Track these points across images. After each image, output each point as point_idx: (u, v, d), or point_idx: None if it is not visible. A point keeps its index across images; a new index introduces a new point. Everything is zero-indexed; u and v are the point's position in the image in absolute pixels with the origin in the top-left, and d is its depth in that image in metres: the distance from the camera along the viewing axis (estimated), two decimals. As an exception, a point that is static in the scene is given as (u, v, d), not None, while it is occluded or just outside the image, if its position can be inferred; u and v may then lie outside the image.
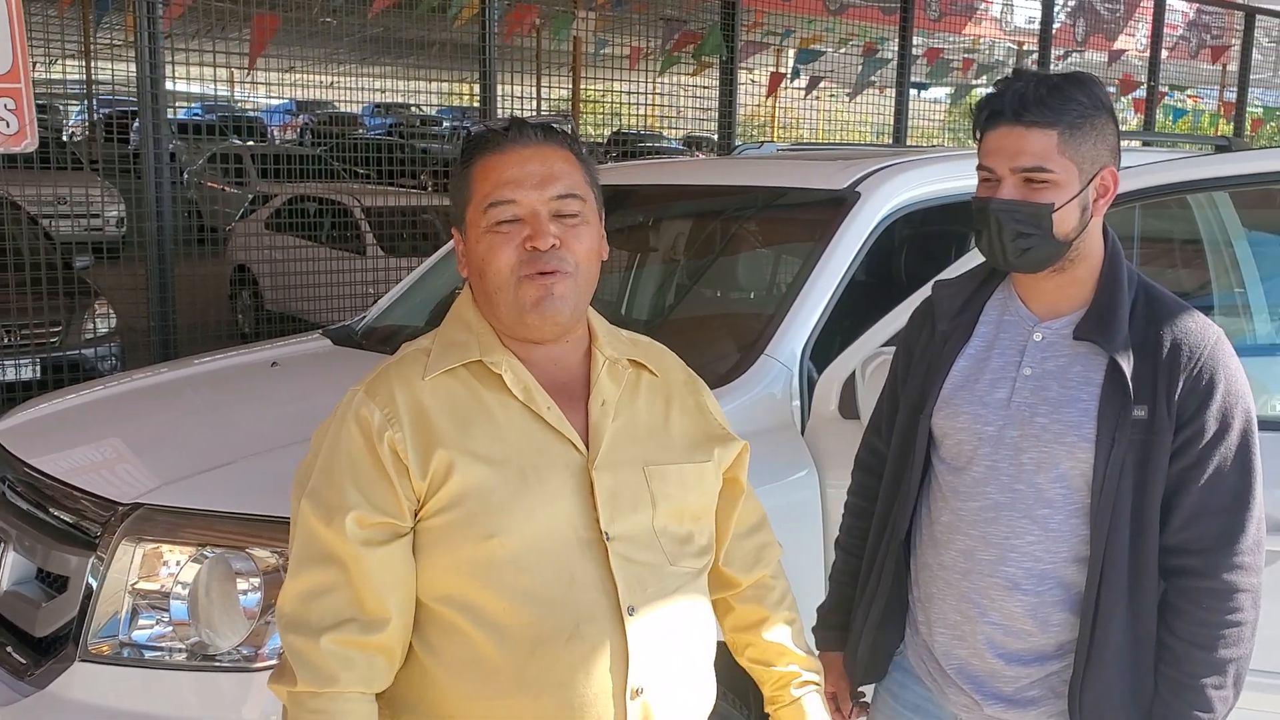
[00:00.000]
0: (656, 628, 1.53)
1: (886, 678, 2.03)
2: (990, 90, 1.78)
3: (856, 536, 2.05)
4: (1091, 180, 1.72)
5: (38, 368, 6.20)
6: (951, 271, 2.19)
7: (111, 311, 6.80)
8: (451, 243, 1.77)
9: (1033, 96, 1.69)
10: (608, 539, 1.51)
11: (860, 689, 2.06)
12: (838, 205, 3.04)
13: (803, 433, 2.70)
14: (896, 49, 9.40)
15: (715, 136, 8.46)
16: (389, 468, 1.47)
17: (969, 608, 1.82)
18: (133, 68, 5.69)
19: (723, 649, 2.48)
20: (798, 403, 2.73)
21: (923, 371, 1.90)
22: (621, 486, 1.55)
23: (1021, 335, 1.83)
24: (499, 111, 6.84)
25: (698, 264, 3.69)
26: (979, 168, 1.76)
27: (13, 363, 6.16)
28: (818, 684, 1.80)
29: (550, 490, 1.51)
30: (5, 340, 6.27)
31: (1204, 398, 1.69)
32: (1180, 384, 1.69)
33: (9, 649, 2.42)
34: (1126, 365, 1.70)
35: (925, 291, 2.06)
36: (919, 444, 1.88)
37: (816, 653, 1.88)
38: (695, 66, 8.43)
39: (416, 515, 1.50)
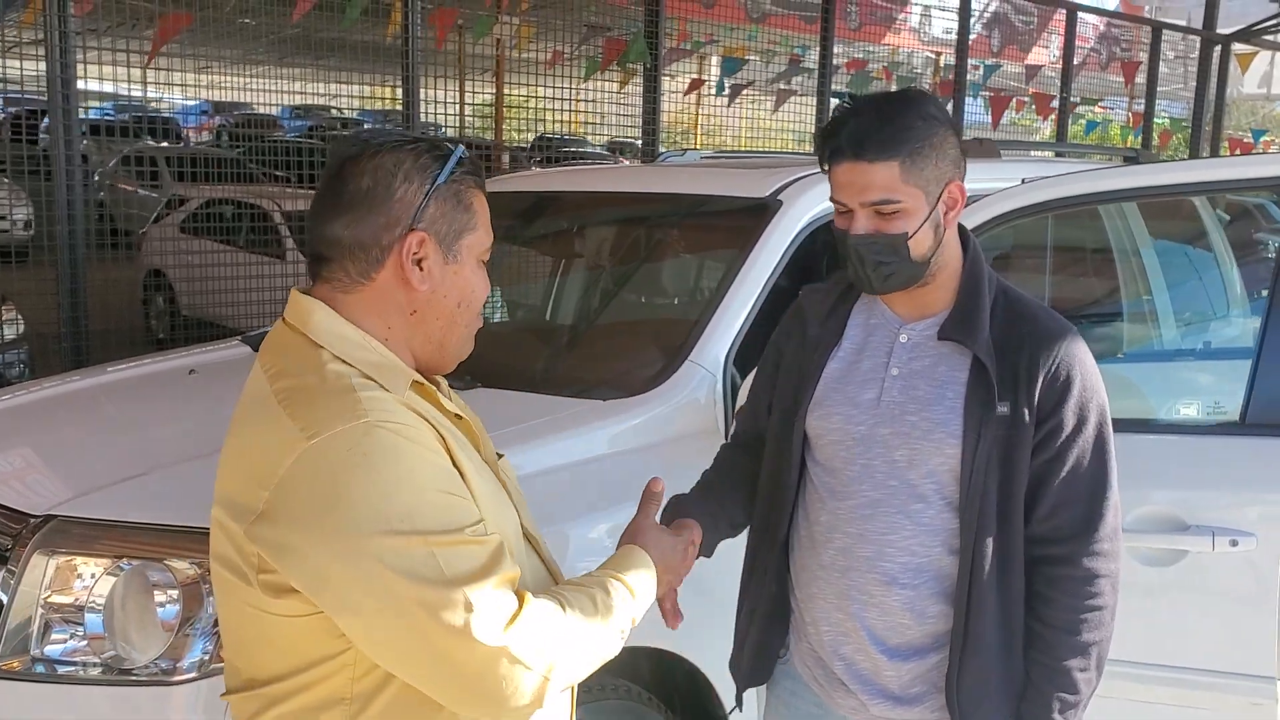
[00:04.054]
0: None
1: (777, 686, 2.06)
2: (830, 120, 1.82)
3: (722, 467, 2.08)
4: (939, 198, 1.78)
5: (-59, 374, 6.00)
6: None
7: (19, 316, 6.60)
8: None
9: (869, 131, 1.73)
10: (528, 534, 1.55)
11: (743, 694, 2.10)
12: (760, 213, 3.08)
13: (726, 438, 2.73)
14: (818, 58, 9.52)
15: (639, 143, 8.49)
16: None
17: (849, 604, 1.86)
18: (40, 65, 5.53)
19: (649, 654, 2.50)
20: (722, 408, 2.76)
21: (796, 375, 1.95)
22: (509, 481, 1.59)
23: (888, 337, 1.89)
24: (420, 115, 6.77)
25: (622, 270, 3.71)
26: (831, 199, 1.81)
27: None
28: None
29: (501, 489, 1.54)
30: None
31: (1062, 394, 1.77)
32: (1040, 381, 1.77)
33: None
34: (990, 363, 1.77)
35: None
36: (795, 447, 1.93)
37: None
38: (621, 75, 8.45)
39: None
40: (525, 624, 1.34)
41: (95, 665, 2.18)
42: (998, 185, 2.80)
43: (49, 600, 2.19)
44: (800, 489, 1.96)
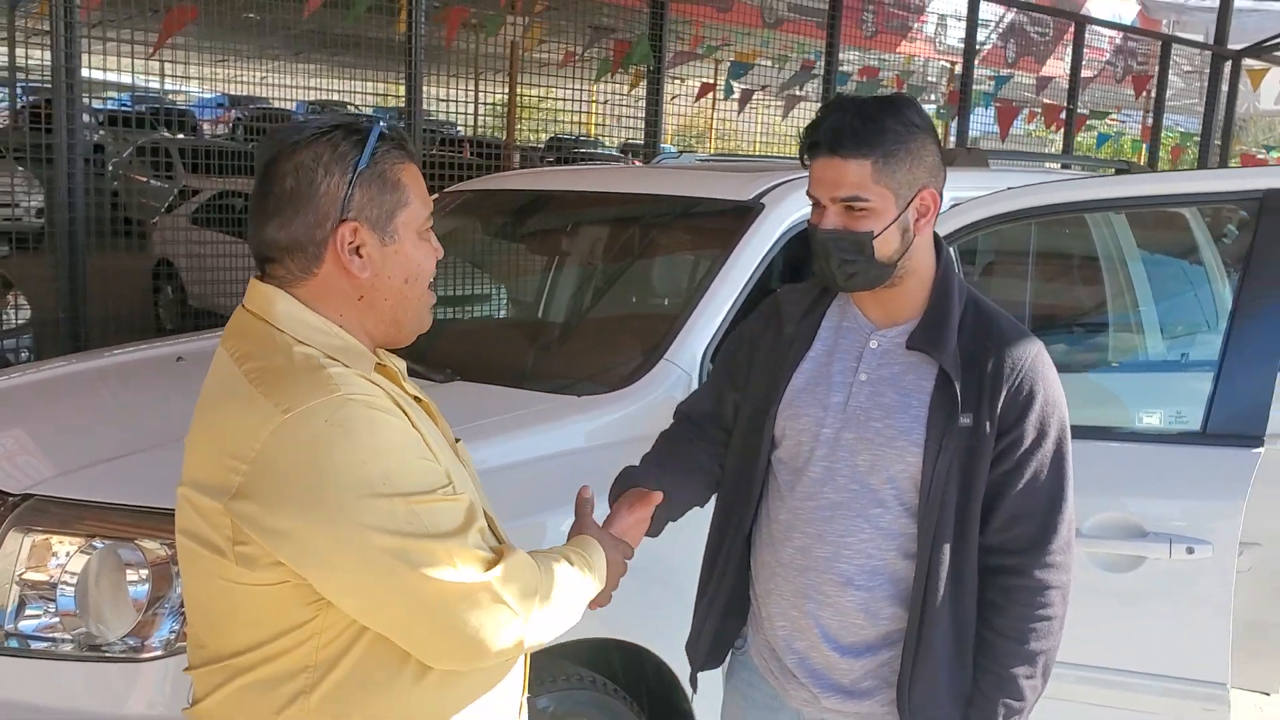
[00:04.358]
0: None
1: (734, 676, 2.11)
2: (814, 117, 1.86)
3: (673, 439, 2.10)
4: (910, 203, 1.81)
5: (-51, 359, 6.07)
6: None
7: (25, 303, 6.67)
8: None
9: (847, 128, 1.76)
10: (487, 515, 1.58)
11: (697, 678, 2.14)
12: (743, 215, 3.11)
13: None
14: (823, 64, 9.54)
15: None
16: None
17: (804, 602, 1.90)
18: (48, 55, 5.58)
19: (616, 647, 2.54)
20: (697, 407, 2.78)
21: (768, 374, 1.98)
22: (468, 464, 1.64)
23: (859, 342, 1.91)
24: (425, 114, 6.81)
25: (605, 270, 3.74)
26: (808, 194, 1.86)
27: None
28: None
29: (462, 466, 1.58)
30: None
31: (1023, 408, 1.79)
32: (1003, 394, 1.79)
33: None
34: (955, 375, 1.79)
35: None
36: (763, 444, 1.95)
37: None
38: (630, 77, 8.48)
39: None
40: (506, 567, 1.42)
41: (67, 642, 2.22)
42: (981, 193, 2.82)
43: (24, 577, 2.24)
44: (764, 486, 1.99)
